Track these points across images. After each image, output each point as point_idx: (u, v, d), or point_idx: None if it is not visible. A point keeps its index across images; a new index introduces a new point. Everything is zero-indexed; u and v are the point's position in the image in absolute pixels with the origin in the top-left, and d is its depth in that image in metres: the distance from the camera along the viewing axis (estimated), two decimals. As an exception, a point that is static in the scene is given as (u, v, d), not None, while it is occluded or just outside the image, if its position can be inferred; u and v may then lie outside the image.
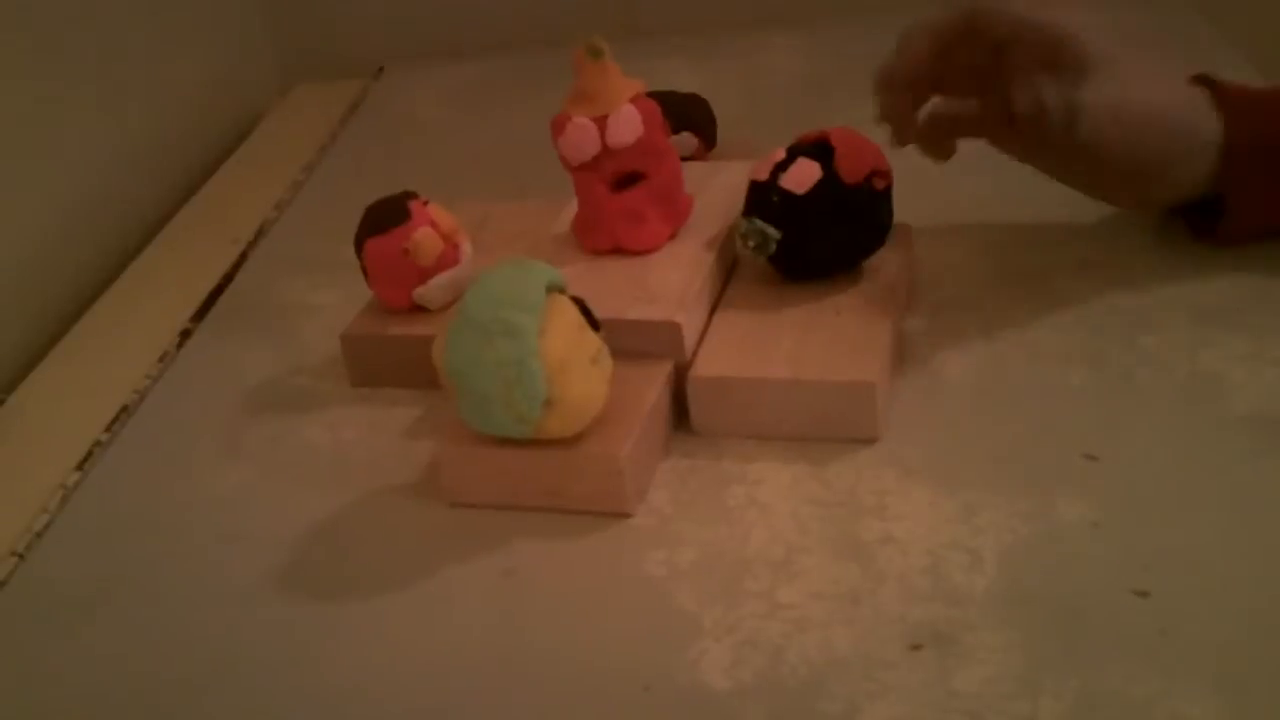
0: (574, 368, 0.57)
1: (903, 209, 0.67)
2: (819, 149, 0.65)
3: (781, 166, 0.64)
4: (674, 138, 0.72)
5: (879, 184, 0.65)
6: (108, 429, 0.72)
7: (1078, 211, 0.74)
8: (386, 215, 0.69)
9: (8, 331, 0.83)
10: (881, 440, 0.61)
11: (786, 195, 0.64)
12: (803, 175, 0.64)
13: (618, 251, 0.69)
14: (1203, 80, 0.68)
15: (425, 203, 0.70)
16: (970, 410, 0.62)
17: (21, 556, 0.63)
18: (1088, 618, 0.50)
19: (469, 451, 0.60)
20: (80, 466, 0.69)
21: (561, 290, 0.59)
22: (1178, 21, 1.00)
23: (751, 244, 0.65)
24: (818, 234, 0.64)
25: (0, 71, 0.85)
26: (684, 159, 0.72)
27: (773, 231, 0.64)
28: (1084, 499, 0.56)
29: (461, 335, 0.57)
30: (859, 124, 0.87)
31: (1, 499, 0.68)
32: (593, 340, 0.59)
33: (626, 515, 0.59)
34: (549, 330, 0.57)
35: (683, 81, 0.83)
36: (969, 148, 0.84)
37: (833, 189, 0.64)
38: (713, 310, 0.66)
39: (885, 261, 0.67)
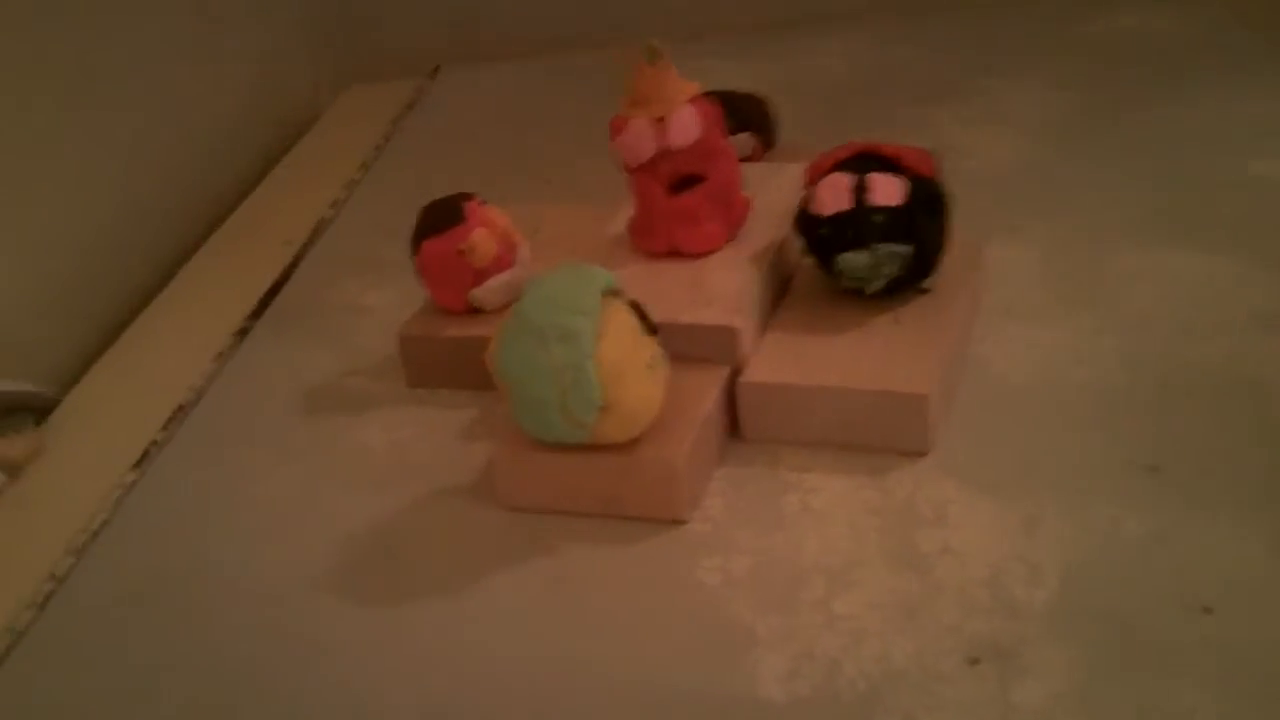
0: (630, 373, 0.57)
1: (968, 210, 0.66)
2: (869, 162, 0.63)
3: (860, 190, 0.62)
4: (732, 138, 0.72)
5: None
6: (164, 428, 0.72)
7: (1140, 216, 0.73)
8: (442, 216, 0.69)
9: (65, 330, 0.83)
10: (941, 448, 0.60)
11: (891, 211, 0.62)
12: (890, 189, 0.62)
13: (674, 254, 0.68)
14: None
15: (481, 204, 0.70)
16: (1032, 419, 0.61)
17: (79, 555, 0.64)
18: (1149, 634, 0.49)
19: (524, 456, 0.60)
20: (137, 466, 0.69)
21: (618, 294, 0.59)
22: (1211, 26, 0.98)
23: (887, 270, 0.62)
24: (932, 234, 0.63)
25: (55, 73, 0.85)
26: (742, 160, 0.71)
27: (904, 249, 0.62)
28: (1147, 511, 0.54)
29: (517, 340, 0.57)
30: (909, 124, 0.87)
31: (59, 498, 0.69)
32: (649, 345, 0.58)
33: (681, 522, 0.59)
34: (606, 335, 0.56)
35: (737, 82, 0.83)
36: (1034, 154, 0.84)
37: (925, 189, 0.63)
38: (770, 316, 0.66)
39: (952, 270, 0.66)
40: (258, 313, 0.82)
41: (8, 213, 0.80)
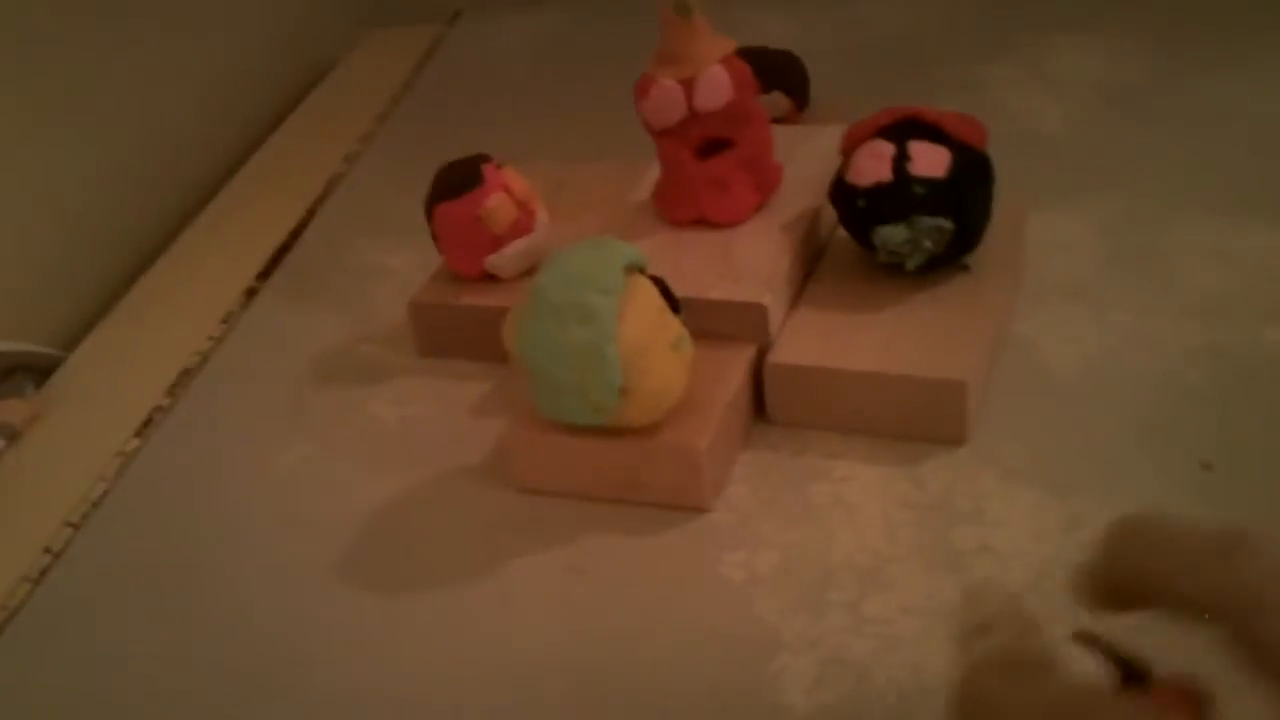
0: (653, 354, 0.54)
1: (1013, 182, 0.62)
2: (910, 129, 0.60)
3: (901, 159, 0.59)
4: (763, 98, 0.68)
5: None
6: (169, 393, 0.69)
7: (1208, 191, 0.69)
8: (458, 179, 0.66)
9: (67, 288, 0.80)
10: (980, 438, 0.56)
11: (933, 182, 0.58)
12: (934, 159, 0.58)
13: (702, 222, 0.65)
14: None
15: (499, 166, 0.66)
16: (1078, 408, 0.57)
17: (77, 527, 0.62)
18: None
19: (539, 438, 0.57)
20: (139, 433, 0.67)
21: (642, 270, 0.55)
22: None
23: (927, 245, 0.58)
24: (977, 208, 0.60)
25: (60, 11, 0.82)
26: (774, 121, 0.68)
27: (946, 224, 0.58)
28: (1199, 512, 0.51)
29: (535, 319, 0.53)
30: (962, 86, 0.83)
31: (59, 464, 0.66)
32: (673, 324, 0.55)
33: (703, 511, 0.56)
34: (627, 314, 0.53)
35: (774, 33, 0.79)
36: (1091, 118, 0.79)
37: (971, 160, 0.59)
38: (800, 291, 0.62)
39: (994, 244, 0.62)
40: (267, 272, 0.79)
41: (5, 170, 0.77)
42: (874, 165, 0.59)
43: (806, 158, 0.68)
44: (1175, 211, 0.68)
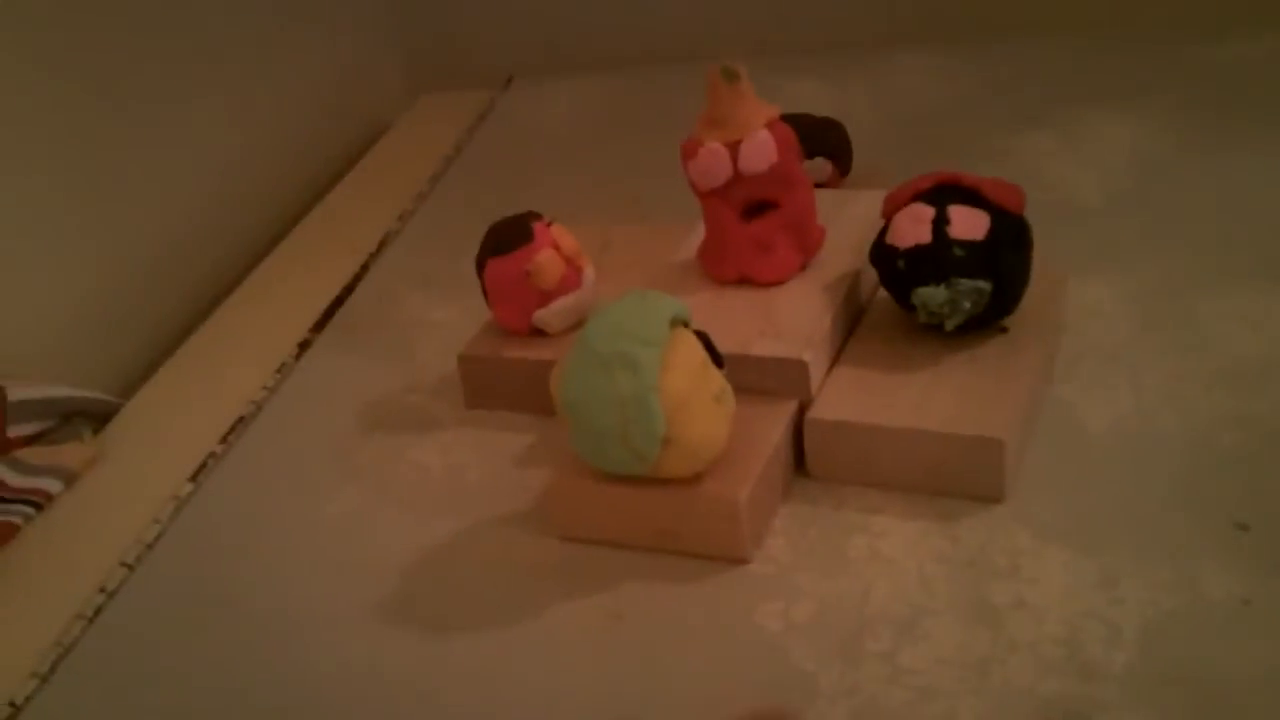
0: (695, 406, 0.55)
1: (1049, 249, 0.64)
2: (950, 194, 0.61)
3: (940, 222, 0.60)
4: (807, 163, 0.70)
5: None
6: (223, 440, 0.71)
7: (1239, 260, 0.70)
8: (509, 236, 0.68)
9: (127, 337, 0.83)
10: (1016, 497, 0.57)
11: (971, 245, 0.60)
12: (973, 222, 0.60)
13: (745, 282, 0.66)
14: None
15: (549, 224, 0.68)
16: (1112, 469, 0.58)
17: (131, 567, 0.63)
18: (1236, 706, 0.46)
19: (581, 486, 0.58)
20: (194, 478, 0.69)
21: (686, 324, 0.57)
22: None
23: (965, 306, 0.60)
24: (1014, 270, 0.61)
25: (128, 76, 0.85)
26: (817, 185, 0.69)
27: (985, 285, 0.60)
28: (1233, 572, 0.52)
29: (581, 368, 0.55)
30: (999, 155, 0.84)
31: (115, 507, 0.68)
32: (716, 377, 0.57)
33: (743, 561, 0.57)
34: (671, 366, 0.54)
35: (816, 103, 0.81)
36: (1124, 188, 0.81)
37: (1009, 224, 0.61)
38: (841, 350, 0.64)
39: (1032, 308, 0.63)
40: (320, 325, 0.81)
41: (72, 217, 0.80)
42: (914, 228, 0.61)
43: (848, 221, 0.69)
44: (1207, 280, 0.69)
